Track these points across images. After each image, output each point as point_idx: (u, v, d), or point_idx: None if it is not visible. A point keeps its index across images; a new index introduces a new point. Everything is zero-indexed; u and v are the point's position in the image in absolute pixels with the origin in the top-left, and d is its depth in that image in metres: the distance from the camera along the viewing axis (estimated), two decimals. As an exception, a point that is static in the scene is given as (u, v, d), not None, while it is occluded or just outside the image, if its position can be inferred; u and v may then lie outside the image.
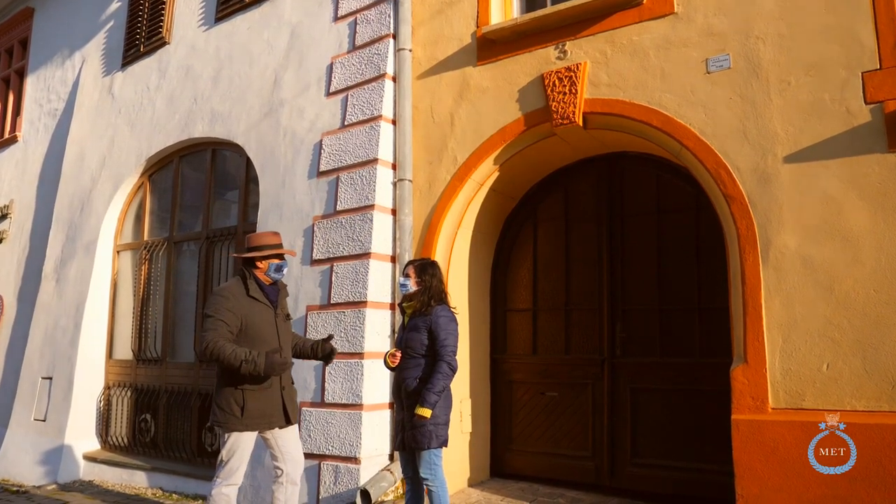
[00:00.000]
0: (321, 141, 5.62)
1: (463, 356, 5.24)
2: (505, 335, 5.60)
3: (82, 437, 7.16)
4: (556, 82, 4.78)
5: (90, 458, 7.01)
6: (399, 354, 3.83)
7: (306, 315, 5.29)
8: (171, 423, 6.70)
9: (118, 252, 7.64)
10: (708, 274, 4.75)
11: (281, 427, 3.80)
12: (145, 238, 7.41)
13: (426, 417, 3.61)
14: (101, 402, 7.31)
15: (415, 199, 5.31)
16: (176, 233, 7.09)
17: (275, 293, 3.92)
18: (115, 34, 8.22)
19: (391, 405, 4.98)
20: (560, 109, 4.74)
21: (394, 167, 5.35)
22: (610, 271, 5.15)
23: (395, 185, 5.31)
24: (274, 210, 5.81)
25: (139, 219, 7.58)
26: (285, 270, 3.97)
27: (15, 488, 6.78)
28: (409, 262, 4.01)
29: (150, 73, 7.57)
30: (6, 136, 9.83)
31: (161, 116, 7.25)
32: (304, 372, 5.17)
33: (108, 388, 7.35)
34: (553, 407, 5.29)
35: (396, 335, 4.21)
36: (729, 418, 3.94)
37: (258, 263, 3.86)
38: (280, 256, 3.92)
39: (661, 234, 5.00)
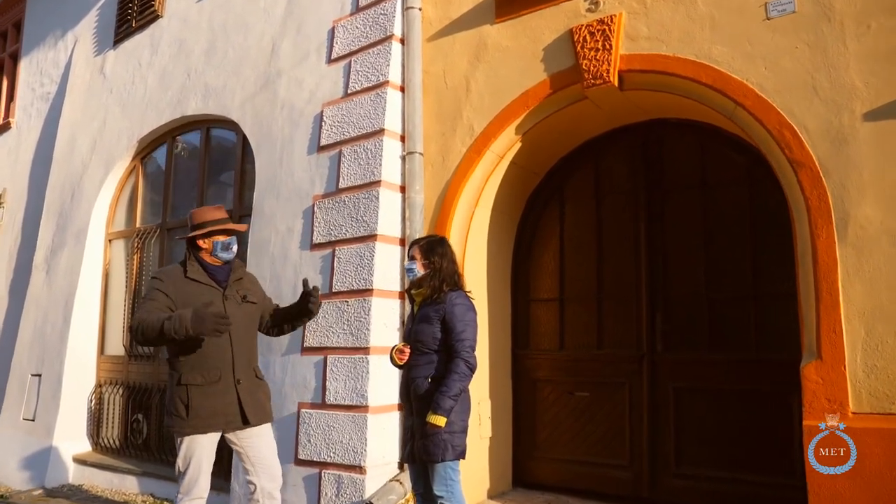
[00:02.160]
0: (322, 112, 5.04)
1: (481, 352, 4.61)
2: (528, 328, 4.99)
3: (72, 438, 6.66)
4: (587, 37, 4.17)
5: (80, 461, 6.50)
6: (407, 350, 3.25)
7: (306, 306, 4.72)
8: (164, 425, 6.15)
9: (110, 240, 7.12)
10: (765, 256, 4.12)
11: (238, 429, 3.26)
12: (138, 225, 6.89)
13: (439, 427, 3.03)
14: (92, 400, 6.81)
15: (426, 175, 4.71)
16: (169, 219, 6.55)
17: (224, 273, 3.41)
18: (108, 11, 7.69)
19: (400, 406, 4.41)
20: (592, 68, 4.13)
21: (402, 139, 4.75)
22: (648, 255, 4.52)
23: (403, 158, 4.71)
24: (270, 190, 5.24)
25: (132, 205, 7.06)
26: (234, 248, 3.45)
27: (-2, 494, 6.32)
28: (414, 242, 3.43)
29: (143, 49, 7.04)
30: (0, 123, 9.37)
31: (153, 94, 6.71)
32: (302, 368, 4.60)
33: (99, 385, 6.84)
34: (584, 409, 4.68)
35: (405, 327, 3.62)
36: (791, 423, 3.34)
37: (200, 243, 3.38)
38: (227, 233, 3.40)
39: (708, 211, 4.38)
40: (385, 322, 4.44)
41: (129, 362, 6.60)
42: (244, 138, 5.77)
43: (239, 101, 5.75)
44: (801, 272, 3.45)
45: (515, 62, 4.49)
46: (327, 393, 4.43)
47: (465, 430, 3.17)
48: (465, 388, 3.12)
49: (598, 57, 4.12)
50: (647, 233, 4.55)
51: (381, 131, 4.63)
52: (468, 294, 3.29)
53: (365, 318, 4.39)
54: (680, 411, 4.30)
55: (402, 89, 4.81)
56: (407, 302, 4.24)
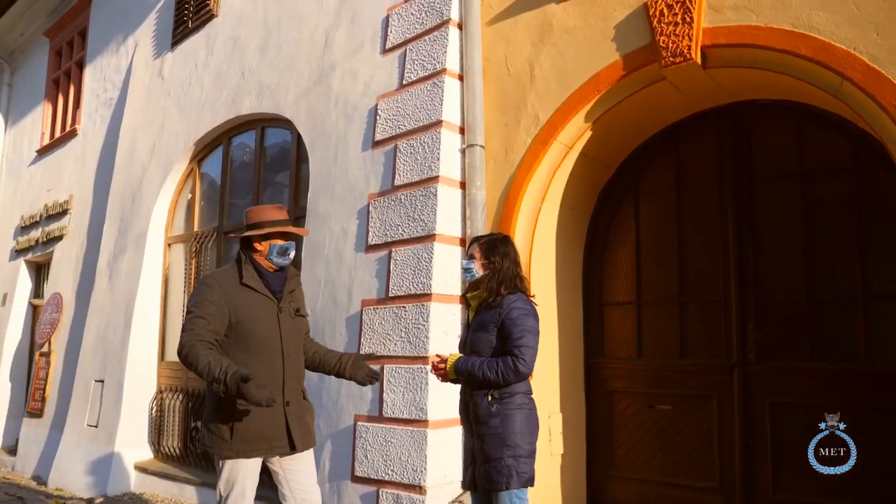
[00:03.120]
0: (376, 105, 4.75)
1: (551, 360, 4.26)
2: (602, 334, 4.57)
3: (134, 444, 6.60)
4: (665, 10, 3.73)
5: (141, 469, 6.43)
6: (443, 363, 2.91)
7: (361, 311, 4.44)
8: (200, 442, 6.00)
9: (169, 245, 7.05)
10: (875, 252, 3.59)
11: (284, 454, 2.97)
12: (195, 229, 6.78)
13: (440, 368, 2.89)
14: (153, 407, 6.73)
15: (488, 169, 4.36)
16: (226, 222, 6.41)
17: (279, 282, 3.09)
18: (166, 14, 7.64)
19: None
20: (670, 45, 3.69)
21: (462, 131, 4.42)
22: (738, 253, 4.04)
23: (463, 152, 4.37)
24: (325, 189, 4.99)
25: (190, 208, 6.97)
26: (292, 254, 3.11)
27: (62, 500, 6.31)
28: (475, 240, 3.09)
29: (199, 50, 6.94)
30: (67, 130, 9.51)
31: (209, 95, 6.59)
32: (358, 380, 4.32)
33: (160, 392, 6.77)
34: (666, 423, 4.23)
35: (460, 336, 3.27)
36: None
37: (256, 245, 3.05)
38: (286, 236, 3.08)
39: (806, 202, 3.86)
40: (445, 329, 4.10)
41: (188, 369, 6.46)
42: (299, 137, 5.55)
43: (293, 98, 5.53)
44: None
45: (584, 43, 4.08)
46: (384, 405, 4.14)
47: (532, 455, 2.81)
48: (495, 382, 2.77)
49: (677, 32, 3.68)
50: (736, 229, 4.06)
51: (439, 123, 4.31)
52: (531, 299, 2.92)
53: (423, 325, 4.07)
54: (778, 429, 3.80)
55: (461, 78, 4.47)
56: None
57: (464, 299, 3.12)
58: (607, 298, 4.58)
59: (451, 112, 4.37)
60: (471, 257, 2.99)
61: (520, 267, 2.99)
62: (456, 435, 4.06)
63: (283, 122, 5.77)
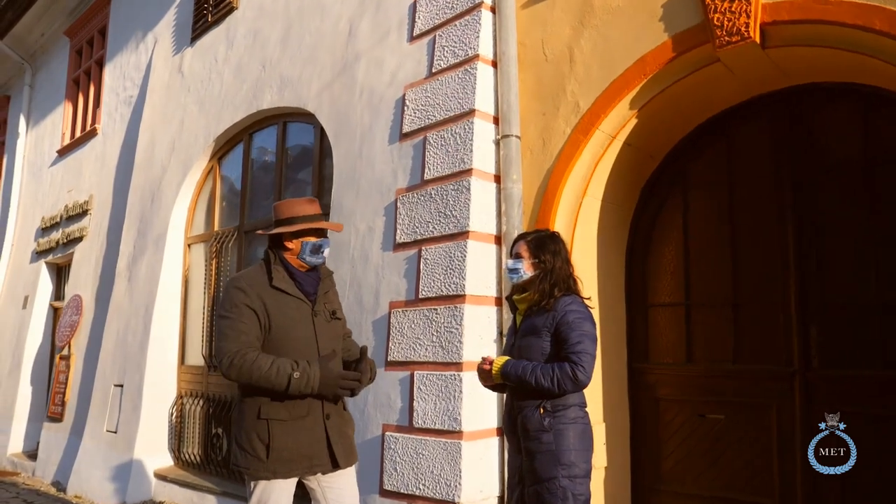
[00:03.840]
0: (404, 96, 4.49)
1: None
2: (646, 338, 4.26)
3: (153, 451, 6.40)
4: (720, -14, 3.43)
5: (161, 476, 6.23)
6: (489, 364, 2.64)
7: (389, 314, 4.18)
8: (231, 462, 5.77)
9: (189, 245, 6.85)
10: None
11: (325, 472, 2.68)
12: (216, 228, 6.57)
13: (485, 369, 2.64)
14: (173, 413, 6.53)
15: (524, 161, 4.08)
16: (246, 220, 6.19)
17: (313, 283, 2.81)
18: (185, 8, 7.45)
19: (499, 431, 3.79)
20: (725, 23, 3.39)
21: (496, 121, 4.14)
22: (798, 251, 3.71)
23: (498, 143, 4.10)
24: (350, 186, 4.73)
25: (210, 207, 6.76)
26: (326, 251, 2.84)
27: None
28: (520, 237, 2.81)
29: (219, 44, 6.73)
30: (87, 129, 9.37)
31: (229, 90, 6.38)
32: (385, 386, 4.05)
33: (180, 397, 6.56)
34: (719, 434, 3.92)
35: (505, 342, 2.98)
36: None
37: (287, 243, 2.77)
38: (319, 233, 2.80)
39: (875, 196, 3.53)
40: (480, 334, 3.83)
41: (209, 374, 6.27)
42: (322, 131, 5.31)
43: (315, 91, 5.29)
44: None
45: (628, 24, 3.79)
46: (415, 415, 3.87)
47: (588, 474, 2.52)
48: (548, 389, 2.50)
49: (733, 9, 3.37)
50: (796, 225, 3.73)
51: (472, 112, 4.03)
52: (586, 301, 2.64)
53: (456, 329, 3.79)
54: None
55: (494, 64, 4.20)
56: (506, 310, 3.62)
57: (508, 302, 2.84)
58: (652, 299, 4.27)
59: (484, 101, 4.09)
60: (517, 256, 2.71)
61: (572, 266, 2.71)
62: (491, 447, 3.79)
63: (306, 117, 5.54)
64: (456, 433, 3.66)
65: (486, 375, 2.64)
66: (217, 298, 6.26)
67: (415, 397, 3.87)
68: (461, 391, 3.68)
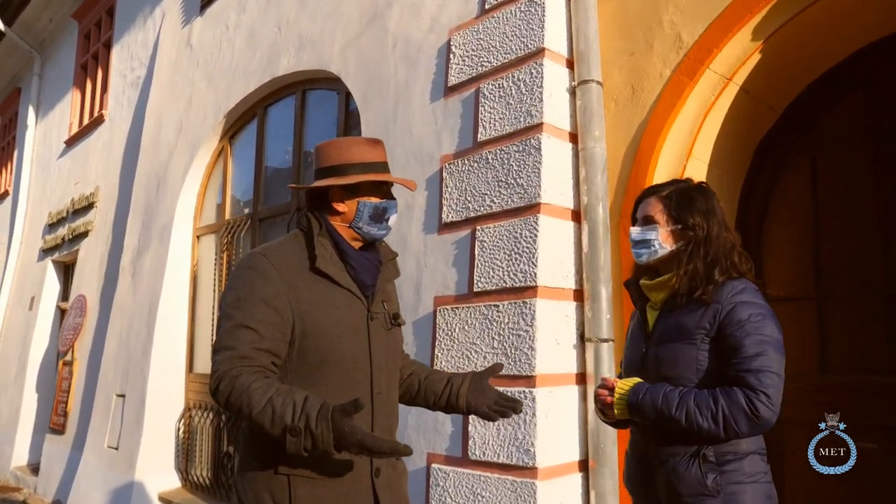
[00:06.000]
0: (448, 42, 3.62)
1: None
2: (763, 341, 3.34)
3: (158, 471, 5.61)
4: None
5: (166, 500, 5.43)
6: (606, 391, 1.74)
7: (434, 313, 3.30)
8: None
9: (198, 237, 6.06)
10: None
11: None
12: (227, 217, 5.76)
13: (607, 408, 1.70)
14: (180, 427, 5.73)
15: (608, 114, 3.18)
16: (261, 206, 5.36)
17: (372, 270, 1.87)
18: (195, -25, 6.68)
19: (582, 465, 2.90)
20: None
21: (570, 64, 3.24)
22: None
23: (573, 92, 3.19)
24: (382, 156, 3.87)
25: (222, 193, 5.95)
26: (393, 219, 1.92)
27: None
28: (650, 191, 1.89)
29: (230, 10, 5.93)
30: (94, 117, 8.66)
31: (240, 59, 5.57)
32: (433, 405, 3.18)
33: (188, 409, 5.76)
34: (870, 468, 2.98)
35: (625, 348, 2.05)
36: None
37: (337, 204, 1.83)
38: (383, 190, 1.88)
39: None
40: (557, 337, 2.93)
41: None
42: (347, 98, 4.47)
43: (339, 48, 4.45)
44: None
45: (748, -71, 2.88)
46: (470, 443, 2.98)
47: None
48: (713, 434, 1.62)
49: None
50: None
51: (540, 52, 3.14)
52: (759, 286, 1.73)
53: (526, 331, 2.90)
54: None
55: (567, -6, 3.31)
56: (590, 307, 2.73)
57: (631, 291, 1.92)
58: (769, 291, 3.34)
59: (555, 38, 3.20)
60: (647, 221, 1.81)
61: (735, 234, 1.79)
62: (574, 486, 2.89)
63: (328, 82, 4.70)
64: (528, 469, 2.76)
65: (607, 407, 1.72)
66: (228, 296, 5.45)
67: (471, 420, 2.98)
68: (534, 413, 2.78)
